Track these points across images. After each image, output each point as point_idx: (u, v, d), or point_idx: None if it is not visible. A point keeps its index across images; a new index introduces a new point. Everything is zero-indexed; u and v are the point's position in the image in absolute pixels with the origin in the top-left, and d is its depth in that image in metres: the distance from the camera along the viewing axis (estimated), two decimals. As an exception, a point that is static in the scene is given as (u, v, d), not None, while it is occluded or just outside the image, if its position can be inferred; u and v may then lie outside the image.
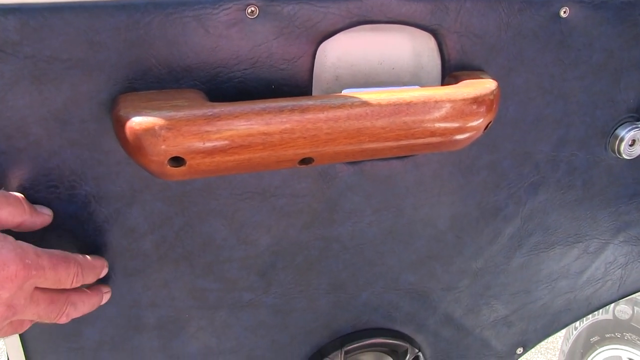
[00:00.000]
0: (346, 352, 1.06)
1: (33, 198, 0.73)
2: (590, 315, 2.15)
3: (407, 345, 1.10)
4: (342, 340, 1.06)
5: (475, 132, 0.80)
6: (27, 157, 0.71)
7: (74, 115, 0.70)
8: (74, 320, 0.76)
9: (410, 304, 1.08)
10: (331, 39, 0.79)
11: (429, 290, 1.08)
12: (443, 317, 1.13)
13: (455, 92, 0.77)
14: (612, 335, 2.02)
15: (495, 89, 0.81)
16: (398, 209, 0.95)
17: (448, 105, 0.76)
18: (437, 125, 0.76)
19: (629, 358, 1.96)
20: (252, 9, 0.73)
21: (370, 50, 0.84)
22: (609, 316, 2.03)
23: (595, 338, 2.12)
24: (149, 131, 0.65)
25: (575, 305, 1.27)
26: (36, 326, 0.81)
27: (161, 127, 0.65)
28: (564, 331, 2.34)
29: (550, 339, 3.24)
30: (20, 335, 0.84)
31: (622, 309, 1.95)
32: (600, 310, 2.09)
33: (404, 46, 0.85)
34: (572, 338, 2.29)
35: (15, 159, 0.71)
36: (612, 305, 2.01)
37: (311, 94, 0.81)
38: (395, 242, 0.99)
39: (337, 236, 0.94)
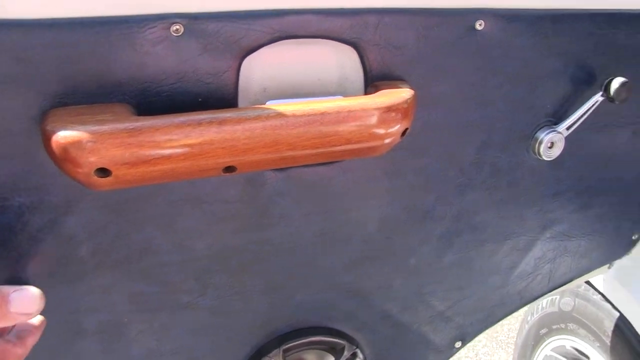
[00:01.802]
0: (285, 351, 1.10)
1: None
2: (539, 309, 2.22)
3: (344, 342, 1.15)
4: (280, 339, 1.10)
5: (391, 138, 0.85)
6: None
7: (4, 130, 0.74)
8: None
9: (347, 303, 1.12)
10: (257, 52, 0.84)
11: (365, 289, 1.12)
12: (380, 314, 1.18)
13: (369, 102, 0.82)
14: (558, 326, 2.10)
15: (410, 98, 0.86)
16: (327, 212, 1.00)
17: (362, 113, 0.81)
18: (352, 133, 0.81)
19: (571, 346, 2.04)
20: (177, 27, 0.77)
21: (297, 63, 0.89)
22: (555, 309, 2.10)
23: (544, 330, 2.20)
24: (75, 144, 0.68)
25: (508, 299, 1.33)
26: None
27: (86, 140, 0.68)
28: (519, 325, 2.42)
29: (511, 333, 3.31)
30: None
31: (566, 301, 2.02)
32: (548, 304, 2.16)
33: (328, 58, 0.90)
34: (525, 331, 2.36)
35: None
36: (558, 297, 2.08)
37: (237, 106, 0.85)
38: (326, 244, 1.03)
39: (269, 239, 0.98)
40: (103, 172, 0.71)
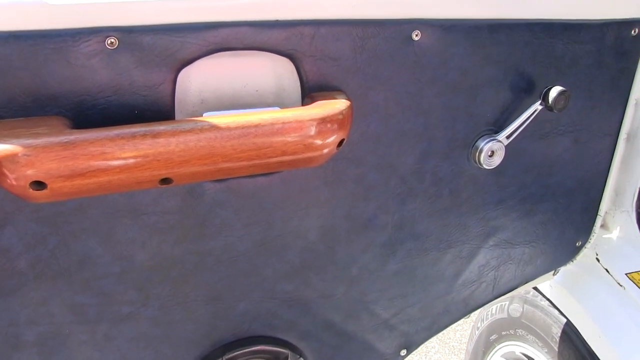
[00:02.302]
0: None
1: None
2: (489, 316, 2.26)
3: (288, 351, 1.16)
4: (224, 348, 1.10)
5: (328, 149, 0.86)
6: None
7: None
8: None
9: (290, 312, 1.13)
10: (194, 65, 0.84)
11: (307, 298, 1.13)
12: (324, 323, 1.19)
13: (304, 113, 0.83)
14: (507, 332, 2.13)
15: (345, 109, 0.87)
16: (268, 222, 1.01)
17: (296, 125, 0.82)
18: (287, 144, 0.82)
19: (520, 352, 2.07)
20: (112, 40, 0.77)
21: (234, 75, 0.90)
22: (504, 315, 2.13)
23: (494, 336, 2.23)
24: (9, 157, 0.68)
25: (453, 307, 1.35)
26: None
27: (21, 154, 0.69)
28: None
29: (463, 339, 3.35)
30: None
31: (514, 307, 2.05)
32: (497, 310, 2.19)
33: (266, 70, 0.91)
34: (475, 337, 2.39)
35: None
36: (507, 304, 2.12)
37: (174, 118, 0.86)
38: (268, 253, 1.04)
39: (210, 250, 0.98)
40: (39, 184, 0.71)
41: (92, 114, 0.80)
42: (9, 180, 0.70)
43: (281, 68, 0.92)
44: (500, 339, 2.20)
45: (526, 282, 1.46)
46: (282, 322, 1.14)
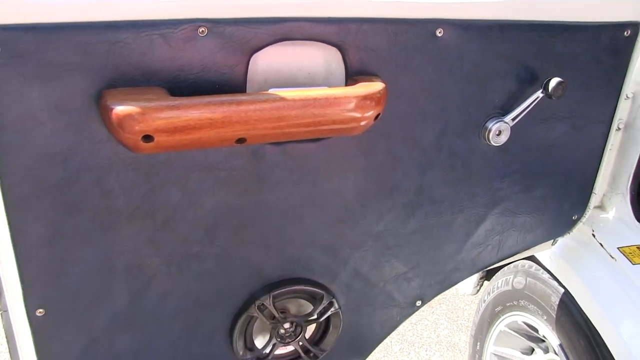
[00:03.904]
0: (274, 297, 1.33)
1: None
2: (495, 288, 2.45)
3: (323, 292, 1.38)
4: (271, 286, 1.33)
5: (366, 121, 1.08)
6: (37, 138, 0.97)
7: (70, 105, 0.96)
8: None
9: (325, 259, 1.35)
10: (262, 51, 1.07)
11: (340, 247, 1.35)
12: (352, 270, 1.41)
13: (350, 91, 1.06)
14: (511, 303, 2.32)
15: (382, 89, 1.09)
16: (313, 181, 1.23)
17: (344, 100, 1.04)
18: (337, 115, 1.05)
19: (522, 321, 2.27)
20: (202, 29, 0.99)
21: (292, 60, 1.12)
22: (509, 287, 2.32)
23: (499, 307, 2.42)
24: (128, 116, 0.91)
25: (462, 265, 1.57)
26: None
27: (137, 113, 0.91)
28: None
29: (470, 317, 3.53)
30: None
31: (518, 280, 2.25)
32: (502, 283, 2.39)
33: (317, 57, 1.13)
34: (481, 310, 2.58)
35: (25, 140, 0.96)
36: (512, 277, 2.31)
37: (245, 92, 1.08)
38: (311, 207, 1.26)
39: (266, 202, 1.21)
40: (148, 138, 0.93)
41: (183, 86, 1.02)
42: (125, 134, 0.93)
43: (330, 56, 1.13)
44: (505, 309, 2.38)
45: (527, 248, 1.66)
46: (318, 267, 1.36)
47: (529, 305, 2.20)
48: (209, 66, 1.03)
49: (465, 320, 3.57)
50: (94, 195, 1.06)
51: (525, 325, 2.30)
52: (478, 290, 3.70)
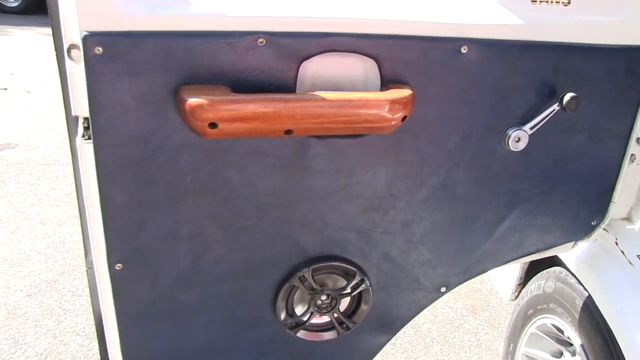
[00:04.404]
0: (313, 270, 1.54)
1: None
2: (528, 293, 2.59)
3: (356, 270, 1.58)
4: (311, 261, 1.54)
5: (395, 121, 1.28)
6: (125, 122, 1.20)
7: (152, 96, 1.20)
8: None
9: (359, 241, 1.55)
10: (310, 60, 1.28)
11: (372, 232, 1.55)
12: (383, 253, 1.60)
13: (381, 96, 1.27)
14: (542, 306, 2.45)
15: (408, 95, 1.29)
16: (350, 172, 1.43)
17: (375, 102, 1.25)
18: (369, 114, 1.25)
19: (551, 324, 2.40)
20: (262, 40, 1.22)
21: (336, 68, 1.33)
22: (541, 291, 2.46)
23: (531, 310, 2.54)
24: (199, 107, 1.14)
25: (484, 258, 1.73)
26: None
27: (206, 105, 1.14)
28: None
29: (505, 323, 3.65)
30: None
31: (549, 285, 2.38)
32: (535, 288, 2.53)
33: (357, 66, 1.34)
34: (515, 313, 2.72)
35: (115, 123, 1.20)
36: (544, 282, 2.45)
37: (295, 92, 1.30)
38: (348, 195, 1.46)
39: (309, 187, 1.42)
40: (213, 125, 1.16)
41: (244, 86, 1.24)
42: (196, 121, 1.16)
43: (368, 66, 1.33)
44: (536, 312, 2.51)
45: (547, 248, 1.80)
46: (352, 248, 1.55)
47: (556, 308, 2.33)
48: (265, 70, 1.24)
49: (506, 327, 3.69)
50: (167, 172, 1.29)
51: (553, 328, 2.43)
52: (517, 297, 3.82)
